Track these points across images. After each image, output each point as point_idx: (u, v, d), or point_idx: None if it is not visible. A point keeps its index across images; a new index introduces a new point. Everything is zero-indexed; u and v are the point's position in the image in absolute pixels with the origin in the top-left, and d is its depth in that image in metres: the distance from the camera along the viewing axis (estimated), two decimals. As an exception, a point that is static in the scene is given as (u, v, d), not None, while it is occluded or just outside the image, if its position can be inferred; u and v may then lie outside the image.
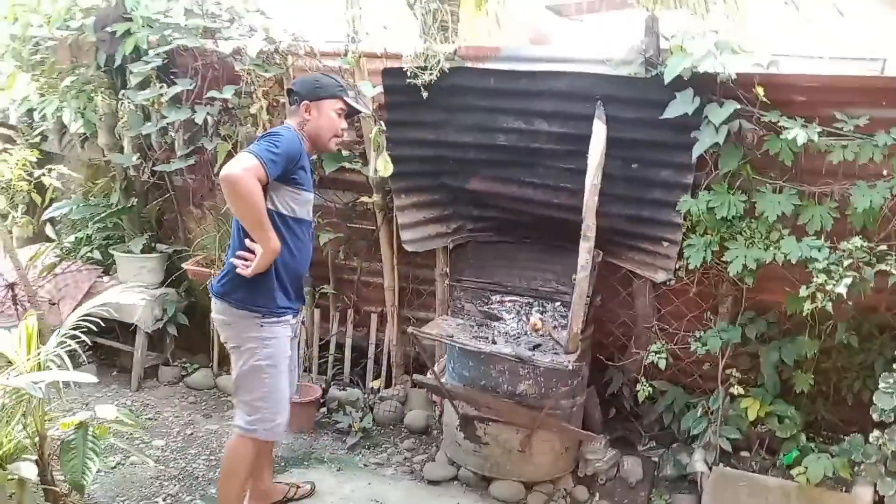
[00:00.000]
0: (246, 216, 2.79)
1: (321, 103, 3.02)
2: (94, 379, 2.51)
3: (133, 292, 2.79)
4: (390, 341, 4.56)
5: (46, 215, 4.92)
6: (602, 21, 5.75)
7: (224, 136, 4.37)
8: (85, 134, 4.90)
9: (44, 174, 4.42)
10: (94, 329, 4.78)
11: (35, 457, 2.56)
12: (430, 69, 3.56)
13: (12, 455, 2.56)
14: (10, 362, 2.53)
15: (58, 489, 2.61)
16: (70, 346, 2.60)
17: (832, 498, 3.27)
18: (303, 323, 3.35)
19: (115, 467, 3.75)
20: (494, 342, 3.60)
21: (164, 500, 3.50)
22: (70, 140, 5.09)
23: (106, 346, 5.05)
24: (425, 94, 3.64)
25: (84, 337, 2.68)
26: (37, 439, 2.56)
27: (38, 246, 4.92)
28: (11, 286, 4.77)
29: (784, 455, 3.48)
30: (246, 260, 2.87)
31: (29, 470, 2.43)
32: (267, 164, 2.73)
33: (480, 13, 4.20)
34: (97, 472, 3.61)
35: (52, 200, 4.98)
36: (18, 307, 4.73)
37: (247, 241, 2.89)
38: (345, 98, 3.07)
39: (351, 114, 3.16)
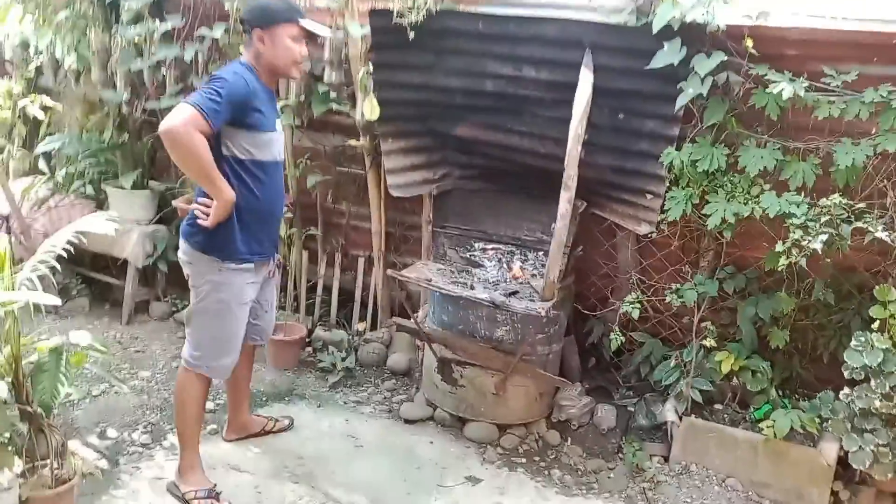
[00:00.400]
0: (191, 171, 2.71)
1: (274, 30, 2.80)
2: (58, 301, 2.56)
3: (103, 221, 2.79)
4: (376, 285, 4.60)
5: (39, 149, 4.94)
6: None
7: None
8: (78, 69, 4.89)
9: (28, 105, 4.42)
10: (78, 261, 4.98)
11: (10, 378, 2.63)
12: (418, 10, 3.51)
13: (-11, 375, 2.64)
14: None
15: (33, 410, 2.68)
16: (42, 271, 2.64)
17: (798, 451, 3.33)
18: (279, 266, 3.24)
19: (98, 396, 3.84)
20: (472, 288, 3.64)
21: (144, 427, 3.59)
22: (65, 75, 5.08)
23: (99, 280, 5.15)
24: (412, 35, 3.59)
25: (55, 264, 2.71)
26: (12, 362, 2.63)
27: (30, 179, 4.96)
28: (6, 219, 4.84)
29: (755, 409, 3.52)
30: (207, 207, 2.81)
31: (1, 389, 2.51)
32: (208, 113, 2.58)
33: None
34: (82, 399, 3.78)
35: (45, 135, 5.01)
36: (13, 238, 4.80)
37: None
38: (299, 21, 2.84)
39: (311, 38, 2.96)
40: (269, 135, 2.87)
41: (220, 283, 2.90)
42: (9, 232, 4.82)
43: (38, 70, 5.20)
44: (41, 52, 4.88)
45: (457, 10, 3.62)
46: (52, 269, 2.70)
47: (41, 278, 2.73)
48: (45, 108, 4.85)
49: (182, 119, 2.55)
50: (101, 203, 5.05)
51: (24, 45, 5.04)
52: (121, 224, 4.71)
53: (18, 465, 2.79)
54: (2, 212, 4.82)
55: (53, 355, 2.76)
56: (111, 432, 3.53)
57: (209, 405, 3.81)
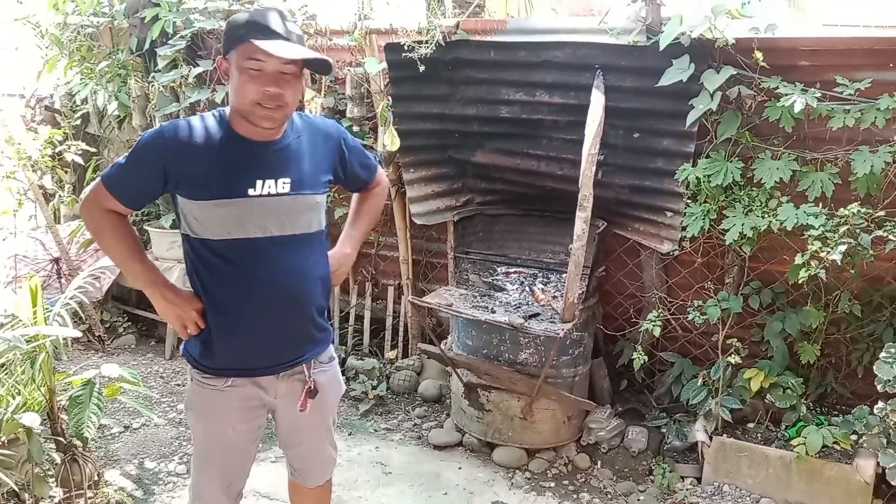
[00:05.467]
0: (111, 260, 2.20)
1: (231, 56, 1.99)
2: (78, 334, 2.70)
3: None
4: (407, 313, 4.66)
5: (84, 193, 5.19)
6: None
7: (244, 115, 4.53)
8: (120, 115, 5.13)
9: (65, 149, 4.66)
10: (125, 301, 5.18)
11: (45, 410, 2.77)
12: (427, 43, 3.61)
13: (26, 407, 2.78)
14: (17, 318, 2.75)
15: (67, 441, 2.82)
16: (72, 306, 2.79)
17: (833, 469, 3.23)
18: (310, 392, 2.24)
19: (138, 428, 3.98)
20: (494, 311, 3.66)
21: (180, 458, 3.70)
22: (108, 122, 5.34)
23: (145, 318, 5.35)
24: (422, 68, 3.68)
25: (84, 298, 2.86)
26: (47, 395, 2.78)
27: (76, 222, 5.20)
28: (56, 261, 5.08)
29: (787, 426, 3.44)
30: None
31: (32, 419, 2.64)
32: (110, 185, 2.02)
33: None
34: (122, 431, 3.92)
35: (90, 180, 5.26)
36: (63, 280, 5.04)
37: None
38: (253, 41, 1.91)
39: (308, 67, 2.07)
40: (228, 204, 2.02)
41: (193, 400, 2.23)
42: (59, 274, 5.06)
43: (84, 118, 5.48)
44: (85, 101, 5.15)
45: (468, 40, 3.70)
46: (96, 305, 2.82)
47: (74, 315, 2.88)
48: (85, 154, 5.10)
49: (86, 194, 2.09)
50: (144, 243, 5.25)
51: (70, 95, 5.32)
52: (162, 262, 4.98)
53: (56, 494, 2.92)
54: (52, 254, 5.07)
55: (87, 388, 2.90)
56: (148, 463, 3.65)
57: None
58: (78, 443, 2.91)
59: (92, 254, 5.13)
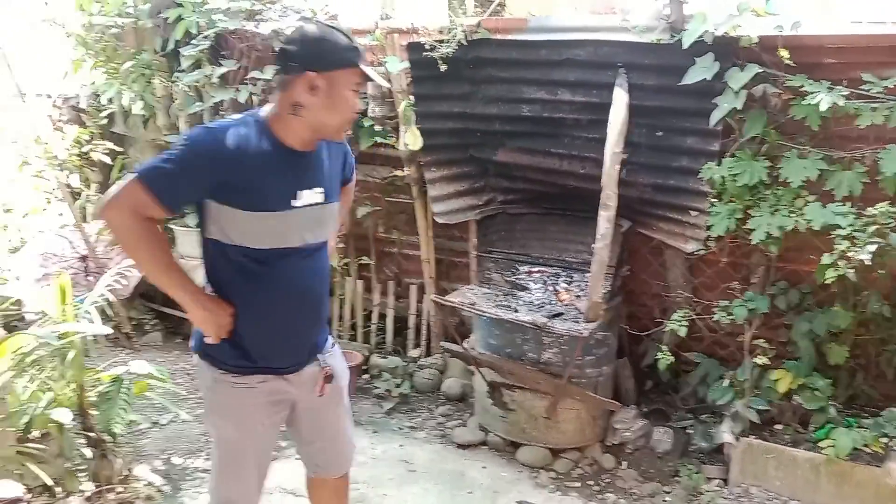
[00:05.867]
0: (138, 266, 2.07)
1: (334, 76, 1.97)
2: (108, 330, 2.75)
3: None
4: (429, 312, 4.67)
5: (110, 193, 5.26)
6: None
7: (267, 115, 4.55)
8: (145, 115, 5.18)
9: (92, 149, 4.72)
10: (152, 299, 5.25)
11: (76, 406, 2.83)
12: (449, 42, 3.60)
13: (57, 403, 2.84)
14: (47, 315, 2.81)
15: (97, 436, 2.87)
16: (99, 304, 2.84)
17: (863, 472, 3.19)
18: (328, 378, 2.28)
19: (165, 424, 4.03)
20: (516, 311, 3.65)
21: (206, 454, 3.73)
22: (134, 122, 5.38)
23: (171, 315, 5.40)
24: (444, 67, 3.67)
25: (112, 296, 2.90)
26: (77, 391, 2.83)
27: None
28: (83, 259, 5.15)
29: (815, 428, 3.40)
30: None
31: (63, 415, 2.69)
32: (155, 187, 1.90)
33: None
34: (150, 427, 3.98)
35: (117, 179, 5.32)
36: (90, 278, 5.10)
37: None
38: (363, 66, 2.02)
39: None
40: (278, 215, 2.03)
41: (216, 400, 2.19)
42: (86, 271, 5.13)
43: (110, 117, 5.53)
44: (111, 101, 5.20)
45: (490, 38, 3.68)
46: (123, 303, 2.85)
47: (102, 312, 2.92)
48: (112, 153, 5.16)
49: (115, 195, 1.91)
50: (170, 242, 5.31)
51: (96, 95, 5.37)
52: (188, 260, 5.02)
53: (87, 489, 2.98)
54: (80, 252, 5.14)
55: (116, 384, 2.94)
56: (176, 459, 3.70)
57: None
58: (108, 438, 2.97)
59: (119, 252, 5.19)
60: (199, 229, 2.10)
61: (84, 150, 4.96)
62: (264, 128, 2.03)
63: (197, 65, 4.74)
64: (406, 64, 3.90)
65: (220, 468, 2.28)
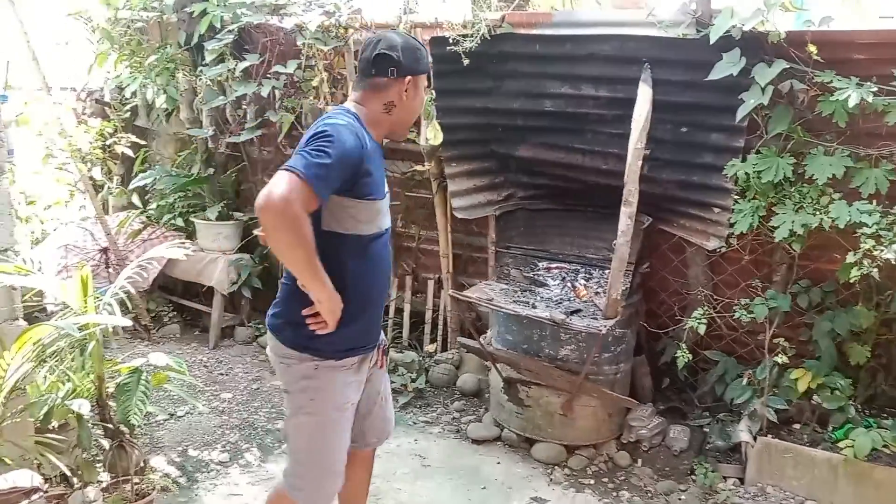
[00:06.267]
0: (293, 262, 2.10)
1: (419, 79, 2.30)
2: (128, 323, 2.76)
3: (177, 248, 2.97)
4: (446, 307, 4.67)
5: (132, 185, 5.31)
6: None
7: (289, 109, 4.59)
8: (168, 109, 5.23)
9: (115, 142, 4.76)
10: (171, 291, 5.29)
11: (94, 397, 2.84)
12: (472, 37, 3.60)
13: (76, 394, 2.86)
14: (68, 307, 2.82)
15: (115, 427, 2.88)
16: (120, 296, 2.85)
17: (882, 472, 3.15)
18: (385, 351, 2.55)
19: (182, 416, 4.05)
20: (534, 307, 3.64)
21: (223, 446, 3.76)
22: (157, 115, 5.43)
23: (190, 307, 5.45)
24: (466, 62, 3.67)
25: (131, 288, 2.91)
26: (96, 382, 2.84)
27: (124, 213, 5.31)
28: (104, 251, 5.19)
29: (834, 428, 3.36)
30: (317, 314, 2.20)
31: (83, 406, 2.70)
32: (314, 182, 1.98)
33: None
34: (167, 419, 3.99)
35: (139, 172, 5.37)
36: (111, 270, 5.14)
37: (299, 283, 2.20)
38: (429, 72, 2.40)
39: None
40: (380, 203, 2.27)
41: (316, 388, 2.31)
42: (107, 263, 5.17)
43: (134, 111, 5.59)
44: (134, 94, 5.25)
45: (513, 33, 3.68)
46: (142, 295, 2.87)
47: (122, 304, 2.94)
48: (135, 146, 5.21)
49: (281, 192, 1.94)
50: (190, 234, 5.35)
51: (120, 89, 5.43)
52: (207, 253, 5.06)
53: (104, 479, 2.99)
54: (101, 244, 5.18)
55: (134, 376, 2.95)
56: (192, 451, 3.72)
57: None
58: (125, 429, 2.98)
59: (140, 244, 5.23)
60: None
61: (107, 143, 5.00)
62: (361, 124, 2.22)
63: (220, 59, 4.79)
64: (429, 58, 3.90)
65: (312, 461, 2.38)
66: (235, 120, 4.93)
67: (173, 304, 5.50)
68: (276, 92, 4.62)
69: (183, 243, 4.86)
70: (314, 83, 4.44)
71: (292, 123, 4.65)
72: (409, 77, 2.25)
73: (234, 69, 4.64)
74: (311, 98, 4.51)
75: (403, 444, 3.84)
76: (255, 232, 4.95)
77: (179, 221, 5.34)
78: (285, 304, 2.32)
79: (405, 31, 3.95)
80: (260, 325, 5.21)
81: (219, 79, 4.80)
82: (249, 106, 4.81)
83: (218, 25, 4.70)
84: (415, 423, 4.07)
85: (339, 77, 4.58)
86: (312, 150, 2.03)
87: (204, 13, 4.73)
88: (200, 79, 4.90)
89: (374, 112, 2.25)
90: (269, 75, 4.61)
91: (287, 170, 1.97)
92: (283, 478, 2.46)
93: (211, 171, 5.19)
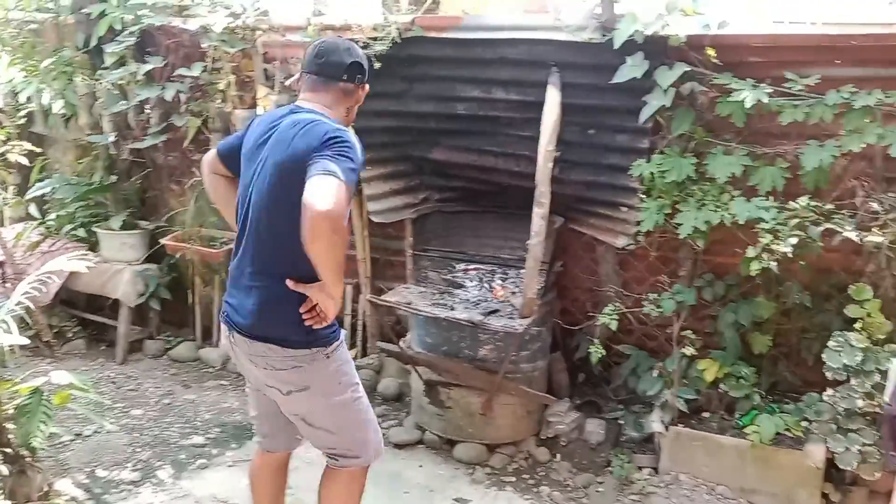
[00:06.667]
0: (333, 263, 2.18)
1: (364, 86, 2.52)
2: (25, 341, 2.63)
3: (78, 260, 2.84)
4: (364, 312, 4.63)
5: (29, 195, 5.05)
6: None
7: (195, 113, 4.46)
8: (67, 115, 4.99)
9: (9, 150, 4.53)
10: (74, 304, 5.06)
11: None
12: (382, 40, 3.59)
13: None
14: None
15: (15, 451, 2.72)
16: (17, 312, 2.70)
17: (784, 455, 3.31)
18: None
19: (90, 436, 3.87)
20: (453, 309, 3.66)
21: (134, 465, 3.62)
22: (55, 121, 5.18)
23: (95, 321, 5.21)
24: (378, 65, 3.66)
25: (30, 304, 2.77)
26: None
27: (21, 225, 5.05)
28: (0, 265, 4.92)
29: (741, 415, 3.51)
30: (311, 309, 2.32)
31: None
32: (351, 189, 2.16)
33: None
34: (73, 439, 3.82)
35: (36, 181, 5.11)
36: (8, 285, 4.87)
37: (289, 283, 2.29)
38: None
39: None
40: None
41: (337, 368, 2.46)
42: (3, 278, 4.90)
43: (29, 117, 5.31)
44: (30, 100, 4.99)
45: (424, 36, 3.69)
46: (43, 310, 2.73)
47: (20, 321, 2.78)
48: (31, 154, 4.95)
49: (339, 199, 2.05)
50: (93, 245, 5.12)
51: (14, 93, 5.15)
52: (112, 264, 4.86)
53: (4, 506, 2.83)
54: (-4, 258, 4.91)
55: (35, 396, 2.80)
56: (100, 472, 3.56)
57: (199, 439, 3.86)
58: (26, 453, 2.82)
59: (39, 257, 4.97)
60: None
61: (1, 151, 4.73)
62: None
63: (121, 62, 4.61)
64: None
65: (363, 418, 2.57)
66: (138, 125, 4.74)
67: (77, 318, 5.25)
68: (181, 96, 4.49)
69: (85, 255, 4.65)
70: (221, 86, 4.32)
71: (198, 128, 4.52)
72: (367, 84, 2.48)
73: (137, 72, 4.47)
74: (219, 101, 4.39)
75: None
76: (163, 241, 4.79)
77: (81, 232, 5.09)
78: (281, 311, 2.32)
79: (313, 32, 3.93)
80: (170, 338, 5.04)
81: (120, 82, 4.62)
82: (153, 110, 4.65)
83: (118, 27, 4.52)
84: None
85: (246, 80, 4.48)
86: (340, 155, 2.14)
87: (103, 14, 4.54)
88: (100, 83, 4.70)
89: (338, 115, 2.39)
90: (173, 78, 4.47)
91: (335, 176, 2.07)
92: (340, 464, 2.59)
93: (114, 178, 4.98)
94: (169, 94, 4.38)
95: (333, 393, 2.46)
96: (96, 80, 4.74)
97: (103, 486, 3.45)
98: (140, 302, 4.87)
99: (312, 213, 2.00)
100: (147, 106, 4.61)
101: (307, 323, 2.31)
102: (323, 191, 2.03)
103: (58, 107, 4.90)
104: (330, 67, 2.39)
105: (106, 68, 4.64)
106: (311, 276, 2.23)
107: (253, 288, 2.35)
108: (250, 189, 2.38)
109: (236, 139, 2.57)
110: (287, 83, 4.00)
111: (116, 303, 4.92)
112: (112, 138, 4.75)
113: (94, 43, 4.68)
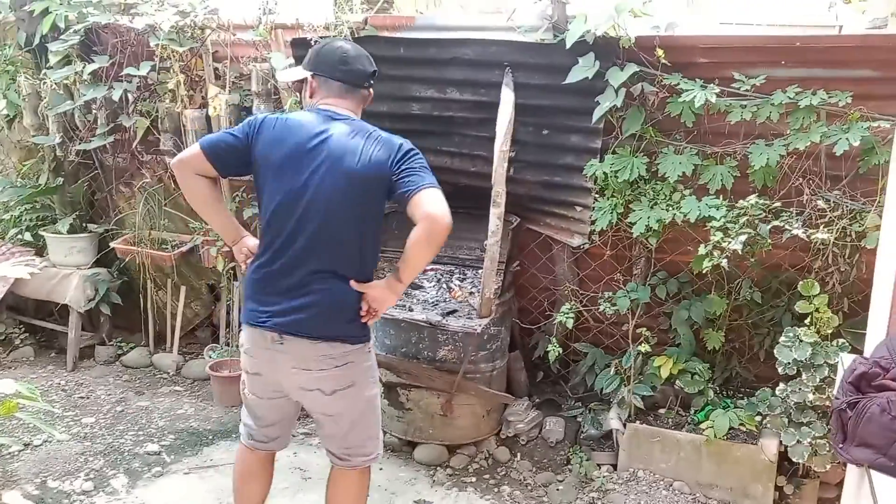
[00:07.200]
0: (425, 263, 2.65)
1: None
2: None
3: (22, 266, 2.75)
4: (322, 313, 4.58)
5: (-30, 198, 4.89)
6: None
7: (144, 113, 4.36)
8: (9, 115, 4.84)
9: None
10: (21, 310, 4.93)
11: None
12: (335, 38, 3.55)
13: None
14: None
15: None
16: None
17: (739, 450, 3.37)
18: None
19: (39, 445, 3.77)
20: (411, 310, 3.65)
21: (86, 474, 3.53)
22: (-3, 122, 5.03)
23: (44, 328, 5.08)
24: (331, 64, 3.61)
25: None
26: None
27: (-35, 229, 4.89)
28: (-58, 270, 4.75)
29: (696, 411, 3.57)
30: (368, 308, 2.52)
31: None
32: None
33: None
34: (22, 449, 3.71)
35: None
36: (-50, 291, 4.71)
37: (353, 283, 2.47)
38: None
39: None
40: None
41: (373, 362, 2.64)
42: (-55, 284, 4.73)
43: (-31, 118, 5.14)
44: (-30, 100, 4.83)
45: (377, 36, 3.66)
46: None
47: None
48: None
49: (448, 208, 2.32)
50: (40, 249, 4.98)
51: (-48, 94, 4.98)
52: (60, 269, 4.73)
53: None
54: (-63, 264, 4.74)
55: (-21, 407, 2.72)
56: (51, 482, 3.47)
57: (153, 447, 3.79)
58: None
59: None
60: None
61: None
62: None
63: (66, 61, 4.49)
64: (291, 60, 3.82)
65: (379, 414, 2.70)
66: (85, 125, 4.62)
67: (24, 325, 5.11)
68: (129, 95, 4.38)
69: (32, 259, 4.53)
70: (170, 86, 4.23)
71: (148, 128, 4.42)
72: (371, 87, 2.62)
73: (82, 72, 4.35)
74: (168, 101, 4.30)
75: (282, 457, 3.69)
76: (113, 244, 4.68)
77: (27, 236, 4.95)
78: (347, 310, 2.47)
79: (264, 31, 3.88)
80: (122, 344, 4.94)
81: (65, 82, 4.49)
82: (100, 111, 4.53)
83: (62, 25, 4.39)
84: (294, 436, 3.96)
85: (196, 79, 4.39)
86: (424, 168, 2.44)
87: (46, 12, 4.41)
88: (45, 82, 4.56)
89: (358, 116, 2.57)
90: (120, 78, 4.36)
91: (439, 189, 2.37)
92: (351, 464, 2.66)
93: (60, 180, 4.84)
94: (116, 94, 4.27)
95: (368, 387, 2.59)
96: (40, 79, 4.60)
97: (55, 496, 3.36)
98: (90, 307, 4.76)
99: (438, 224, 2.27)
100: (94, 106, 4.49)
101: (363, 320, 2.49)
102: (442, 204, 2.29)
103: (0, 107, 4.75)
104: (355, 75, 2.55)
105: (50, 67, 4.51)
106: (367, 276, 2.52)
107: (315, 290, 2.41)
108: (305, 193, 2.39)
109: (233, 139, 2.49)
110: (291, 84, 3.91)
111: (65, 308, 4.79)
112: (58, 139, 4.62)
113: (37, 41, 4.55)
